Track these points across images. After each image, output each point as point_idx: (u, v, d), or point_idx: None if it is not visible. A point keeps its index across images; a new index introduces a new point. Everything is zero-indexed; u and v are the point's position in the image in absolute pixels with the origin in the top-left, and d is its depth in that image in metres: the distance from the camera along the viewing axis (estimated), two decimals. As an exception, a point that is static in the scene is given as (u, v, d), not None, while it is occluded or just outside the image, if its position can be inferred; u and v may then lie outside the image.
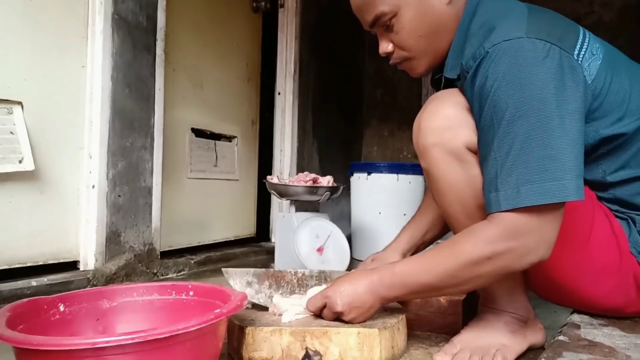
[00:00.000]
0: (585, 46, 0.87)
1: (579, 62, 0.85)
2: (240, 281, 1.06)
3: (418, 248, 1.22)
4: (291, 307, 0.95)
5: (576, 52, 0.85)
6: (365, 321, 0.92)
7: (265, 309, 1.01)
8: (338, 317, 0.92)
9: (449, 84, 0.98)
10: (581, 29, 0.91)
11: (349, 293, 0.90)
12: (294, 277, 1.10)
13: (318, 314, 0.95)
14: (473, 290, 1.08)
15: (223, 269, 1.06)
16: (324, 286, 0.98)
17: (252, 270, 1.07)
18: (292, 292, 1.08)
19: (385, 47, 0.99)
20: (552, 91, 0.79)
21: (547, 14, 0.91)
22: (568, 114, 0.80)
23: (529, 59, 0.80)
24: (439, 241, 1.67)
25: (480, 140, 0.85)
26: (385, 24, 0.96)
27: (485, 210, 0.87)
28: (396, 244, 1.22)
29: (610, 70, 0.90)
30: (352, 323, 0.91)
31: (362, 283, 0.90)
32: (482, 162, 0.84)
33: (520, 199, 0.77)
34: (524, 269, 0.84)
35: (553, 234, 0.81)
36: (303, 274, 1.12)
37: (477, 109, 0.85)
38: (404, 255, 1.19)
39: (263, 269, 1.09)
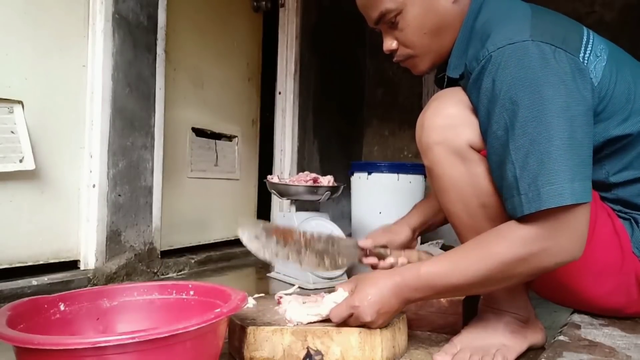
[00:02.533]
0: (589, 48, 0.87)
1: (585, 64, 0.84)
2: (248, 234, 1.03)
3: (428, 226, 1.20)
4: (307, 317, 0.92)
5: (581, 54, 0.85)
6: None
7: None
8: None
9: (452, 82, 0.97)
10: (585, 30, 0.91)
11: (376, 300, 0.86)
12: (301, 237, 1.07)
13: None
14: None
15: (238, 219, 1.03)
16: (340, 292, 0.95)
17: (262, 223, 1.05)
18: (298, 252, 1.05)
19: (390, 44, 0.99)
20: (562, 93, 0.79)
21: (551, 15, 0.90)
22: (579, 116, 0.79)
23: (536, 61, 0.79)
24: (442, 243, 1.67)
25: (492, 144, 0.84)
26: (390, 21, 0.96)
27: (487, 208, 0.87)
28: (407, 218, 1.20)
29: (615, 71, 0.89)
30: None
31: (387, 287, 0.87)
32: (498, 166, 0.83)
33: (542, 201, 0.76)
34: (557, 268, 0.83)
35: (584, 232, 0.80)
36: (312, 235, 1.08)
37: (483, 112, 0.85)
38: (414, 231, 1.17)
39: (274, 224, 1.07)
